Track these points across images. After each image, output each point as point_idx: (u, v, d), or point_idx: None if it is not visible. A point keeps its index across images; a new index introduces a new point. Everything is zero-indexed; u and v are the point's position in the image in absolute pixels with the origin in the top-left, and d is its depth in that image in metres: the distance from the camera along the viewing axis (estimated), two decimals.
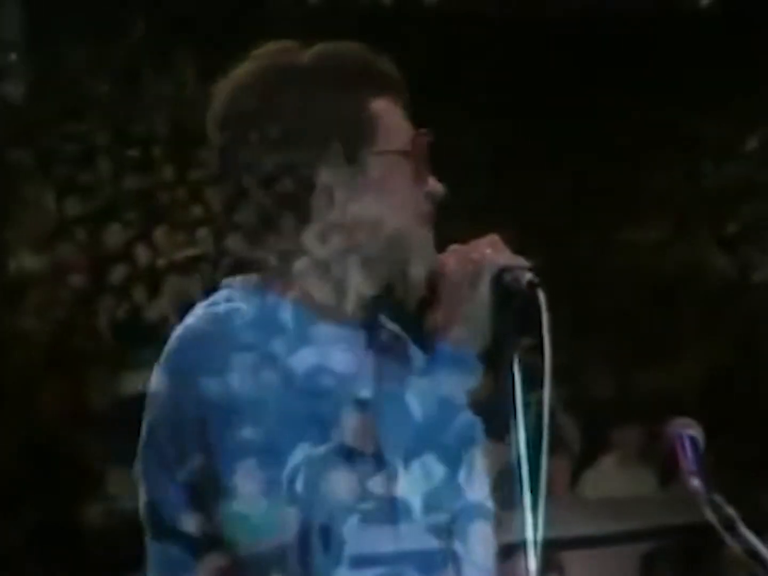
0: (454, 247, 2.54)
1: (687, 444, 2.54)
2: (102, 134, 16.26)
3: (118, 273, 11.45)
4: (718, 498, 2.47)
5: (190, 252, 11.65)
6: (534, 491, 2.40)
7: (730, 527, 2.57)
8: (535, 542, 2.42)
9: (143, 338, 9.79)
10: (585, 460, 8.00)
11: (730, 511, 2.56)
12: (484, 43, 20.39)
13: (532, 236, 13.00)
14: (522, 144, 16.25)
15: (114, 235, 11.97)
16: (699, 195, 14.39)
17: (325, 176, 2.61)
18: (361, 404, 2.65)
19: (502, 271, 2.39)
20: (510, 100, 17.81)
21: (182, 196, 13.89)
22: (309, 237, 2.65)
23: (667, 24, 23.92)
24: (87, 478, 7.46)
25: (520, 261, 2.46)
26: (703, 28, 23.87)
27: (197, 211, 13.26)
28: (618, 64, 19.48)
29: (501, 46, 20.27)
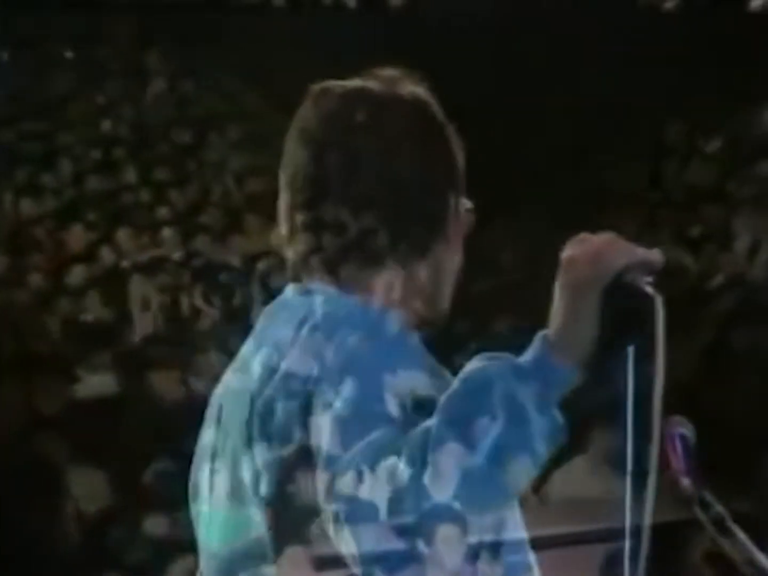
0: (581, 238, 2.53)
1: (678, 443, 2.53)
2: (64, 135, 16.17)
3: (77, 275, 11.37)
4: (708, 496, 2.46)
5: (156, 253, 11.61)
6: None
7: (720, 525, 2.57)
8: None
9: (100, 341, 9.71)
10: (556, 460, 7.97)
11: (720, 509, 2.56)
12: (450, 44, 20.43)
13: (499, 236, 13.06)
14: (484, 142, 16.24)
15: (75, 236, 11.88)
16: (663, 197, 14.44)
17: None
18: (329, 405, 2.63)
19: (624, 271, 2.37)
20: (476, 101, 17.81)
21: (147, 198, 13.83)
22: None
23: (629, 25, 24.02)
24: (43, 480, 7.39)
25: (643, 256, 2.44)
26: (666, 29, 23.99)
27: (162, 212, 13.21)
28: (581, 65, 19.55)
29: (467, 47, 20.30)
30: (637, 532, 7.03)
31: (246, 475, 2.67)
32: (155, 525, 6.72)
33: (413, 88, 2.78)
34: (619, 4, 26.18)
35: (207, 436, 2.89)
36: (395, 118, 2.72)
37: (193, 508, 2.60)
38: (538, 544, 6.82)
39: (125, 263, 11.20)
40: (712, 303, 10.64)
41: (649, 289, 2.28)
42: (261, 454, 2.63)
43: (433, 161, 2.72)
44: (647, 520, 2.44)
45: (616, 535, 6.96)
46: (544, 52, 19.96)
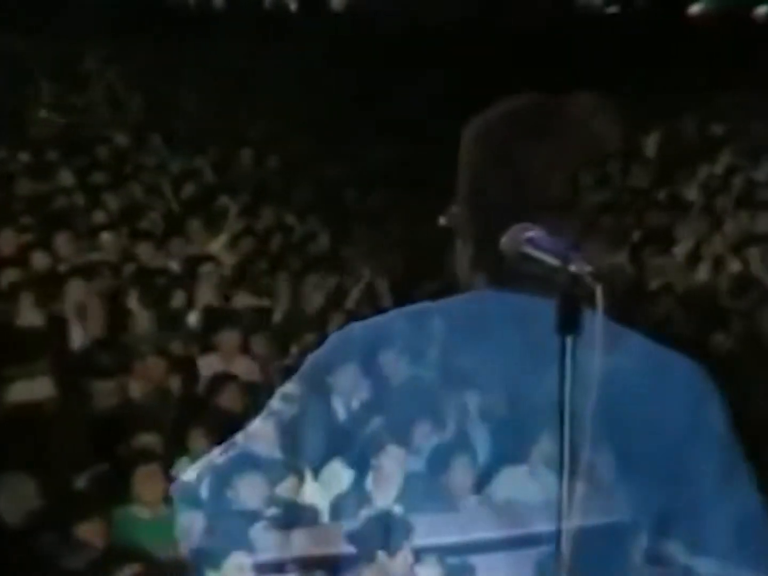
0: None
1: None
2: None
3: (8, 278, 11.20)
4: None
5: (94, 257, 11.48)
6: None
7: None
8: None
9: (35, 346, 9.54)
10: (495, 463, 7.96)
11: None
12: (391, 45, 20.45)
13: (437, 241, 13.05)
14: (420, 142, 16.28)
15: (8, 240, 11.72)
16: (606, 201, 14.40)
17: None
18: (275, 412, 2.59)
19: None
20: (415, 103, 17.85)
21: (83, 202, 13.66)
22: None
23: (569, 28, 24.19)
24: None
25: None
26: (607, 32, 24.19)
27: (99, 216, 13.05)
28: (520, 68, 19.63)
29: (407, 48, 20.33)
30: (575, 534, 6.97)
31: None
32: (88, 531, 6.61)
33: None
34: (559, 8, 26.37)
35: None
36: None
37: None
38: (479, 547, 6.77)
39: (62, 267, 11.07)
40: (649, 306, 10.69)
41: (589, 279, 2.25)
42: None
43: None
44: (569, 522, 2.40)
45: (556, 537, 6.93)
46: (486, 54, 20.02)
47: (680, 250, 12.39)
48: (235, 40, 20.35)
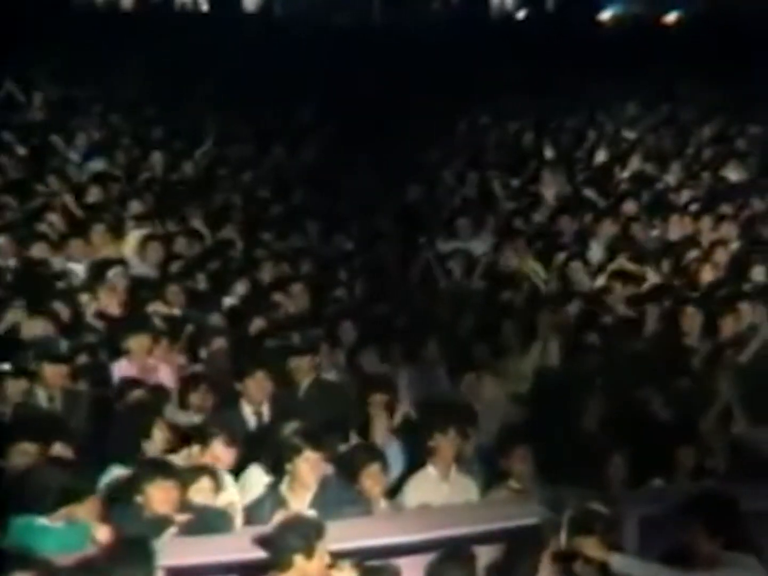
0: None
1: None
2: None
3: None
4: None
5: None
6: None
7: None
8: None
9: None
10: (409, 468, 7.99)
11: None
12: (309, 47, 20.38)
13: (347, 245, 12.97)
14: (336, 146, 16.24)
15: None
16: (517, 206, 14.49)
17: None
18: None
19: None
20: (334, 105, 17.82)
21: None
22: None
23: (482, 31, 24.33)
24: None
25: None
26: (517, 36, 24.36)
27: None
28: (433, 69, 19.71)
29: (325, 50, 20.29)
30: (488, 536, 6.96)
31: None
32: None
33: None
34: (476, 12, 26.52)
35: None
36: None
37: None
38: (393, 551, 6.75)
39: None
40: (558, 311, 10.72)
41: None
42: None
43: None
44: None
45: (469, 539, 6.90)
46: (397, 56, 20.02)
47: (593, 255, 12.42)
48: (144, 40, 20.18)
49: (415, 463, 7.80)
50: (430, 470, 7.54)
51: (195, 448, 7.39)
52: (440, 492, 7.44)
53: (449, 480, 7.52)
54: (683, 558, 6.08)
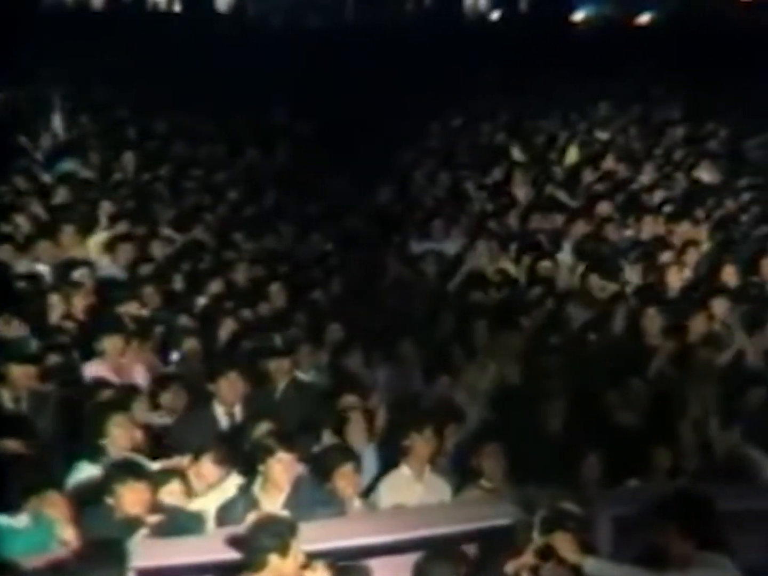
0: None
1: None
2: None
3: None
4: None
5: None
6: None
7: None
8: None
9: None
10: (383, 468, 7.99)
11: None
12: (282, 47, 20.35)
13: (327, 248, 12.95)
14: (306, 147, 16.22)
15: None
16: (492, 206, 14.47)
17: None
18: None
19: None
20: (307, 105, 17.80)
21: None
22: None
23: (455, 32, 24.36)
24: None
25: None
26: (491, 37, 24.39)
27: None
28: (407, 69, 19.71)
29: (298, 50, 20.27)
30: (463, 536, 6.94)
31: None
32: None
33: None
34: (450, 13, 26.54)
35: None
36: None
37: None
38: (367, 552, 6.73)
39: None
40: (531, 311, 10.73)
41: None
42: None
43: None
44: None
45: (443, 540, 6.88)
46: (374, 56, 20.01)
47: (564, 256, 12.41)
48: (116, 40, 20.10)
49: (391, 464, 7.80)
50: (405, 470, 7.53)
51: (183, 461, 7.34)
52: (414, 492, 7.43)
53: (423, 480, 7.51)
54: (657, 559, 6.08)
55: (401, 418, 8.19)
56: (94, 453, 7.27)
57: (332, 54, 20.08)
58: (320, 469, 7.27)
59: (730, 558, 6.10)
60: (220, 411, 8.43)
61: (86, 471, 7.13)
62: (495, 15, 28.08)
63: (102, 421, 7.40)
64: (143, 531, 6.37)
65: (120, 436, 7.37)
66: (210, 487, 7.04)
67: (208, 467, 7.11)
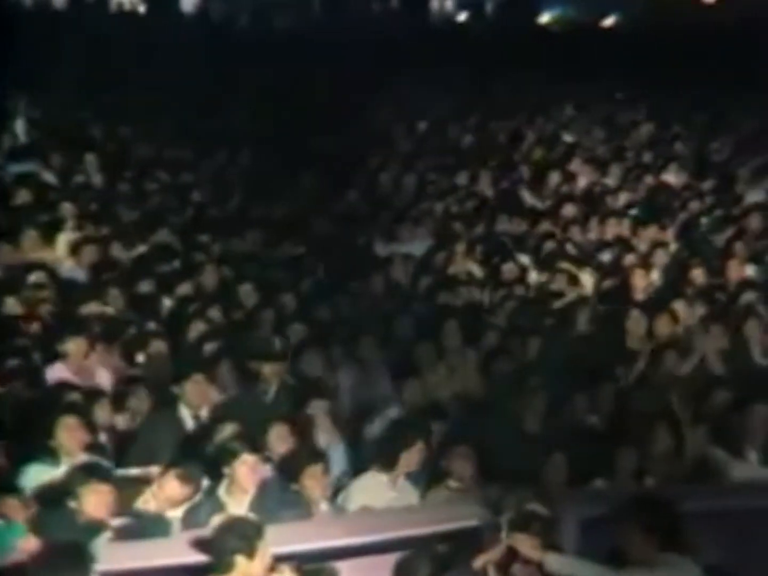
0: None
1: None
2: None
3: None
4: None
5: None
6: None
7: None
8: None
9: None
10: (351, 470, 7.99)
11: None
12: (247, 48, 20.31)
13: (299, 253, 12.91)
14: (271, 147, 16.18)
15: None
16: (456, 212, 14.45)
17: None
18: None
19: None
20: (272, 107, 17.76)
21: None
22: None
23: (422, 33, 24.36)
24: None
25: None
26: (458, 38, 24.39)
27: None
28: (372, 71, 19.71)
29: (264, 51, 20.22)
30: (432, 538, 6.94)
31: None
32: None
33: None
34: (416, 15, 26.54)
35: None
36: None
37: None
38: (335, 554, 6.71)
39: None
40: (496, 313, 10.76)
41: None
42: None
43: None
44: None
45: (410, 541, 6.87)
46: (340, 57, 19.97)
47: (528, 258, 12.43)
48: (78, 40, 19.97)
49: (358, 465, 7.78)
50: (383, 477, 7.46)
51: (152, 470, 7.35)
52: (387, 498, 7.40)
53: (397, 487, 7.49)
54: (619, 559, 6.11)
55: (397, 432, 8.02)
56: (47, 456, 7.23)
57: (298, 55, 20.04)
58: (288, 470, 7.25)
59: (692, 558, 6.14)
60: (185, 413, 8.39)
61: (41, 474, 7.07)
62: (461, 17, 28.13)
63: (52, 423, 7.35)
64: (107, 534, 6.37)
65: (69, 439, 7.31)
66: (172, 504, 6.86)
67: (172, 485, 6.90)
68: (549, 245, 12.41)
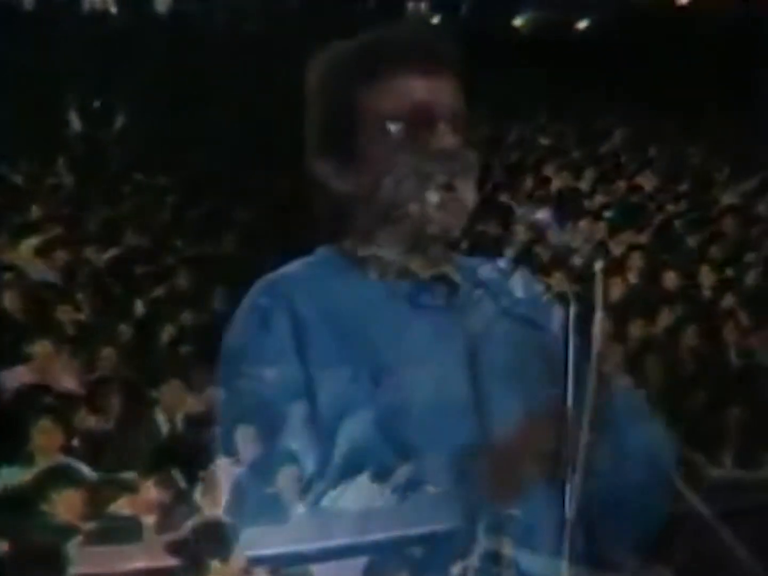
0: None
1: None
2: None
3: None
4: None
5: None
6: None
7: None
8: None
9: None
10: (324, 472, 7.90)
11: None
12: (222, 49, 20.30)
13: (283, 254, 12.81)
14: (244, 151, 16.17)
15: None
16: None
17: None
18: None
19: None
20: (247, 108, 17.73)
21: None
22: None
23: None
24: None
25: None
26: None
27: None
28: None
29: (238, 52, 20.22)
30: (408, 541, 6.91)
31: None
32: None
33: None
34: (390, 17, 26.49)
35: None
36: None
37: None
38: (310, 557, 6.64)
39: None
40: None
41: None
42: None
43: None
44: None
45: (386, 545, 6.83)
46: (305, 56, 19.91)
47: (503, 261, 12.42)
48: (48, 40, 19.87)
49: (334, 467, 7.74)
50: (359, 479, 7.42)
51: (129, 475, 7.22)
52: (372, 502, 7.36)
53: (374, 490, 7.45)
54: (596, 562, 6.10)
55: None
56: (20, 459, 7.18)
57: (271, 56, 20.02)
58: (263, 472, 7.19)
59: (663, 563, 6.16)
60: (161, 417, 8.36)
61: (15, 476, 6.99)
62: (435, 19, 28.10)
63: (27, 426, 7.31)
64: (79, 538, 6.32)
65: (45, 442, 7.27)
66: (146, 508, 6.89)
67: (146, 488, 6.80)
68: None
